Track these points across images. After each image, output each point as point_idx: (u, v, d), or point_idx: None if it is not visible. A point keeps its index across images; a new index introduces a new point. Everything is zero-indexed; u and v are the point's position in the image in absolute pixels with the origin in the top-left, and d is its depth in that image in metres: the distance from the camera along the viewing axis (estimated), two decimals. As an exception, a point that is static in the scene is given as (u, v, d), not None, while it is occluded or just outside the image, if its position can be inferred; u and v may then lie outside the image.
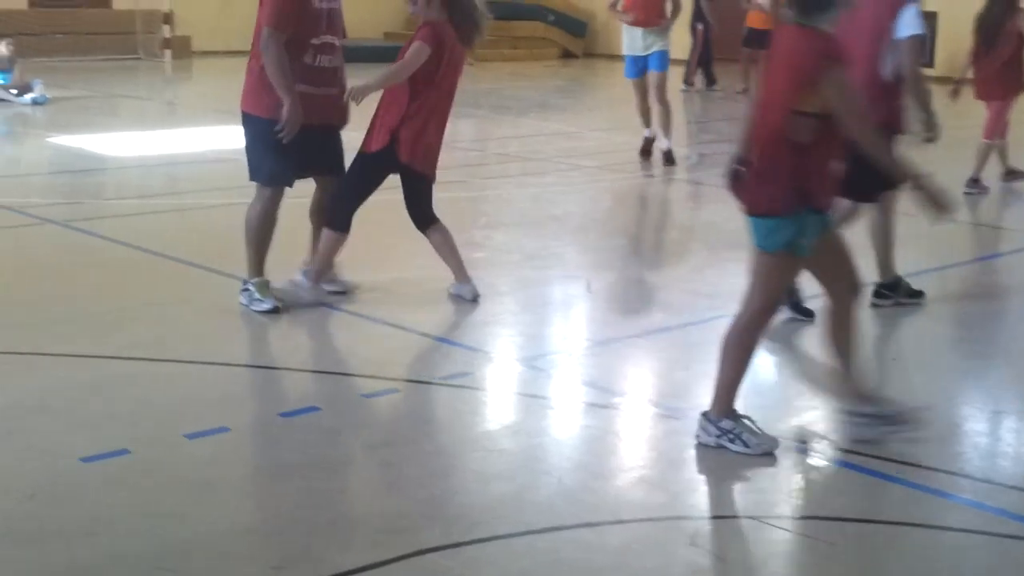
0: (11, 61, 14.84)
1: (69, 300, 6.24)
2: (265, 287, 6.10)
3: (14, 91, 14.62)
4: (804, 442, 4.58)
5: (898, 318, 6.36)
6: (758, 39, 17.80)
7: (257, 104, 5.97)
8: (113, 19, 20.91)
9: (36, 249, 7.53)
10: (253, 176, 6.12)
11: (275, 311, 6.00)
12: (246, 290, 6.09)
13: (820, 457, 4.48)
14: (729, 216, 7.44)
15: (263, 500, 3.98)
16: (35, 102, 14.50)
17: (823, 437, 4.64)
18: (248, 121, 6.05)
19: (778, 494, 4.22)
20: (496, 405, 5.06)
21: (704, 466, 4.41)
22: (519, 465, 4.36)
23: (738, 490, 4.24)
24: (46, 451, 4.27)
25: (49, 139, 12.20)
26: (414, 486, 4.12)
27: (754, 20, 17.84)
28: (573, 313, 6.57)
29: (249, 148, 6.09)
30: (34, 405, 4.73)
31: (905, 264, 6.53)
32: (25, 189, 9.62)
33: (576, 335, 6.12)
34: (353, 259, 7.27)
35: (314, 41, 5.94)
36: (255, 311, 6.02)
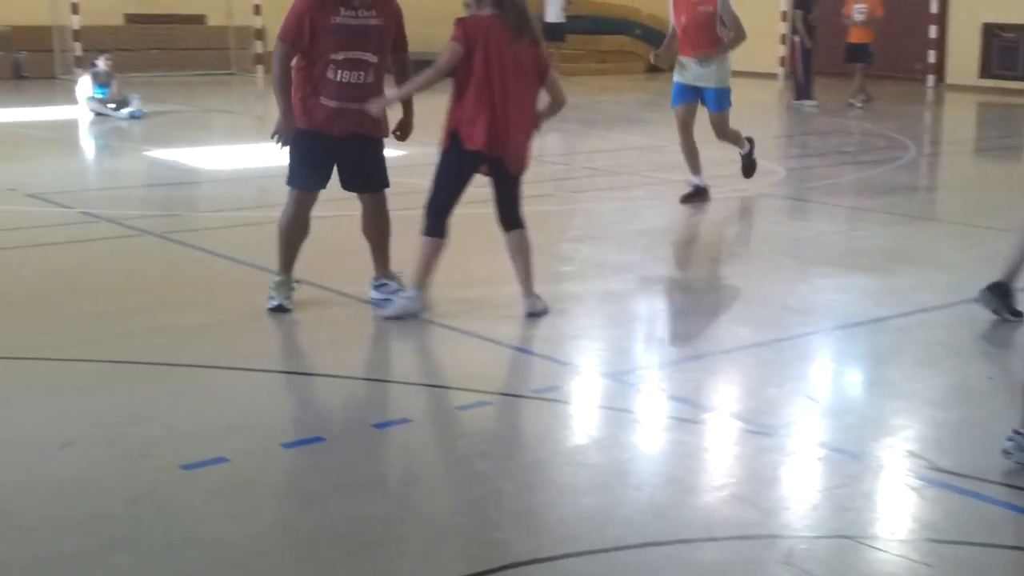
0: (109, 76, 15.22)
1: (167, 311, 6.38)
2: (283, 286, 6.28)
3: (112, 105, 14.99)
4: (886, 458, 4.53)
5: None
6: (858, 54, 17.76)
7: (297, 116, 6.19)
8: (207, 35, 21.34)
9: (133, 260, 7.71)
10: (287, 181, 6.36)
11: (280, 310, 6.21)
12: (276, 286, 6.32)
13: (917, 476, 4.42)
14: (819, 231, 7.42)
15: (357, 511, 4.03)
16: (132, 116, 14.85)
17: (920, 456, 4.58)
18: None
19: (874, 513, 4.18)
20: (586, 419, 5.07)
21: (797, 484, 4.38)
22: (610, 480, 4.37)
23: (833, 509, 4.20)
24: (147, 458, 4.38)
25: (145, 152, 12.48)
26: (506, 499, 4.15)
27: (854, 36, 17.81)
28: (662, 327, 6.56)
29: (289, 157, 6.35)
30: (135, 413, 4.84)
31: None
32: (123, 201, 9.85)
33: (665, 350, 6.11)
34: (444, 272, 7.35)
35: (336, 56, 6.03)
36: (267, 308, 6.22)
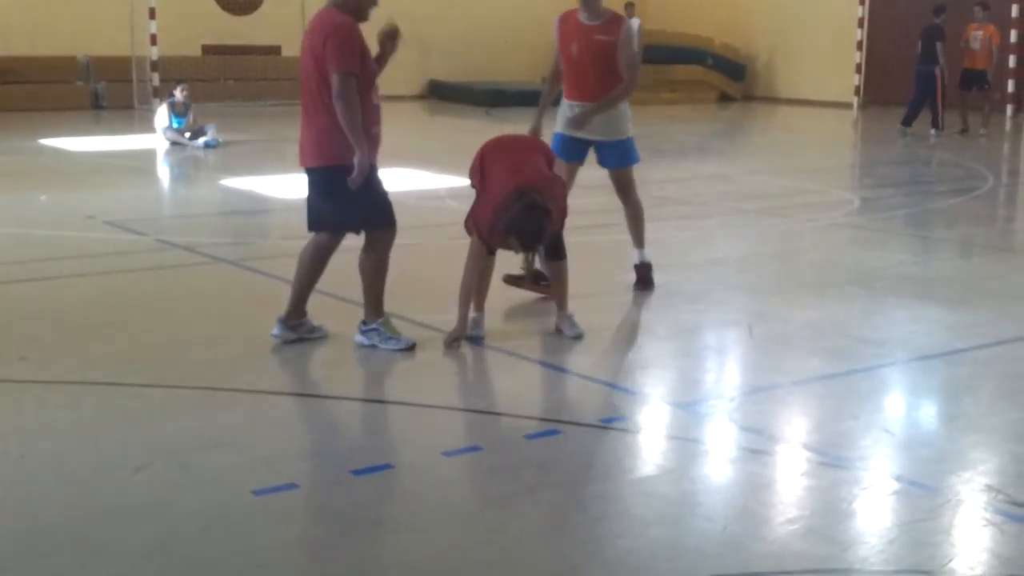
0: (186, 106, 15.49)
1: (241, 338, 6.44)
2: (390, 324, 6.20)
3: (188, 135, 15.25)
4: (965, 492, 4.43)
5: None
6: (974, 80, 17.77)
7: (341, 155, 5.93)
8: (282, 65, 21.64)
9: (207, 287, 7.81)
10: (376, 224, 6.16)
11: (413, 347, 6.13)
12: (372, 330, 6.19)
13: (996, 511, 4.32)
14: (893, 262, 7.32)
15: (427, 539, 4.03)
16: (207, 145, 15.09)
17: (999, 490, 4.48)
18: (336, 174, 5.96)
19: (951, 548, 4.09)
20: (656, 449, 5.03)
21: (872, 517, 4.30)
22: (680, 511, 4.32)
23: (909, 543, 4.12)
24: (220, 484, 4.41)
25: (220, 181, 12.67)
26: (575, 528, 4.12)
27: (971, 62, 17.87)
28: (733, 357, 6.50)
29: (351, 201, 6.03)
30: (208, 439, 4.89)
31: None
32: (197, 229, 10.00)
33: (737, 380, 6.05)
34: (512, 298, 7.35)
35: (375, 82, 6.05)
36: (390, 349, 6.12)
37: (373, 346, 6.17)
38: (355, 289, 6.36)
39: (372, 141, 6.02)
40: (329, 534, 4.08)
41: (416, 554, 3.93)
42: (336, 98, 5.81)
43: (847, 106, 22.93)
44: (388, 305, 6.51)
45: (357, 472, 4.54)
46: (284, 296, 6.80)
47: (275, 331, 6.19)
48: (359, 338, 6.24)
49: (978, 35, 17.90)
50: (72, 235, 9.21)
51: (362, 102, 5.90)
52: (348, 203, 6.04)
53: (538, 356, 6.07)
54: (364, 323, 6.25)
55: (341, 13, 5.94)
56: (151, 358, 6.03)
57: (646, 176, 14.55)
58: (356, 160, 5.87)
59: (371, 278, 6.22)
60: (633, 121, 7.63)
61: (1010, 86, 21.03)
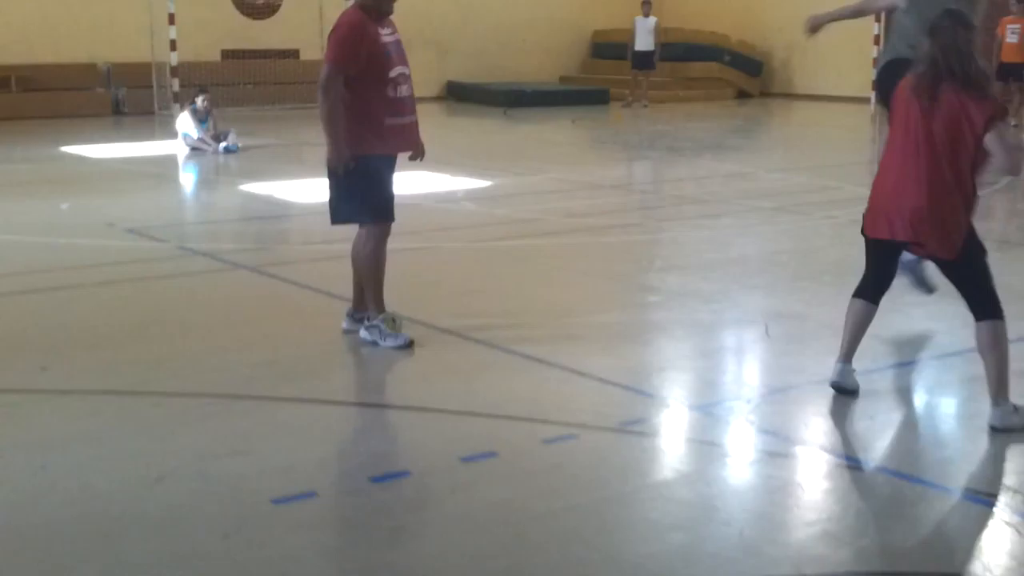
0: (207, 112, 15.56)
1: (260, 344, 6.48)
2: (394, 320, 6.29)
3: (209, 141, 15.32)
4: (984, 494, 4.43)
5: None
6: (1010, 72, 17.74)
7: (358, 143, 6.13)
8: (301, 69, 21.69)
9: (228, 294, 7.85)
10: (367, 216, 6.29)
11: (411, 344, 6.22)
12: (374, 326, 6.27)
13: (1015, 511, 4.31)
14: (912, 259, 7.21)
15: (446, 546, 4.05)
16: (227, 150, 15.15)
17: (1019, 491, 4.48)
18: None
19: (971, 550, 4.09)
20: (673, 453, 5.04)
21: (890, 520, 4.30)
22: (697, 515, 4.33)
23: (928, 545, 4.12)
24: (239, 491, 4.45)
25: (240, 186, 12.73)
26: (592, 533, 4.14)
27: (1008, 55, 17.89)
28: (751, 358, 6.50)
29: (344, 190, 6.23)
30: (228, 448, 4.93)
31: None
32: (218, 235, 10.05)
33: (754, 381, 6.06)
34: (529, 301, 7.38)
35: (391, 74, 6.15)
36: (389, 347, 6.20)
37: (374, 343, 6.23)
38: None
39: (388, 132, 6.19)
40: (348, 542, 4.11)
41: (435, 561, 3.95)
42: (319, 86, 6.12)
43: (865, 100, 22.83)
44: (401, 307, 6.55)
45: (376, 479, 4.57)
46: (302, 301, 6.85)
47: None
48: (363, 334, 6.34)
49: (1016, 28, 17.87)
50: (93, 243, 9.27)
51: (374, 95, 6.12)
52: (348, 193, 6.24)
53: (554, 359, 6.08)
54: (368, 319, 6.32)
55: (357, 11, 6.17)
56: (172, 366, 6.07)
57: (663, 174, 14.61)
58: (327, 152, 6.11)
59: (369, 272, 6.33)
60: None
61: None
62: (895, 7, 7.06)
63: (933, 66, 5.15)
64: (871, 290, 5.56)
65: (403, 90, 6.24)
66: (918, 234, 5.26)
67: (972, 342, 5.47)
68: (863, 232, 5.52)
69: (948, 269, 5.35)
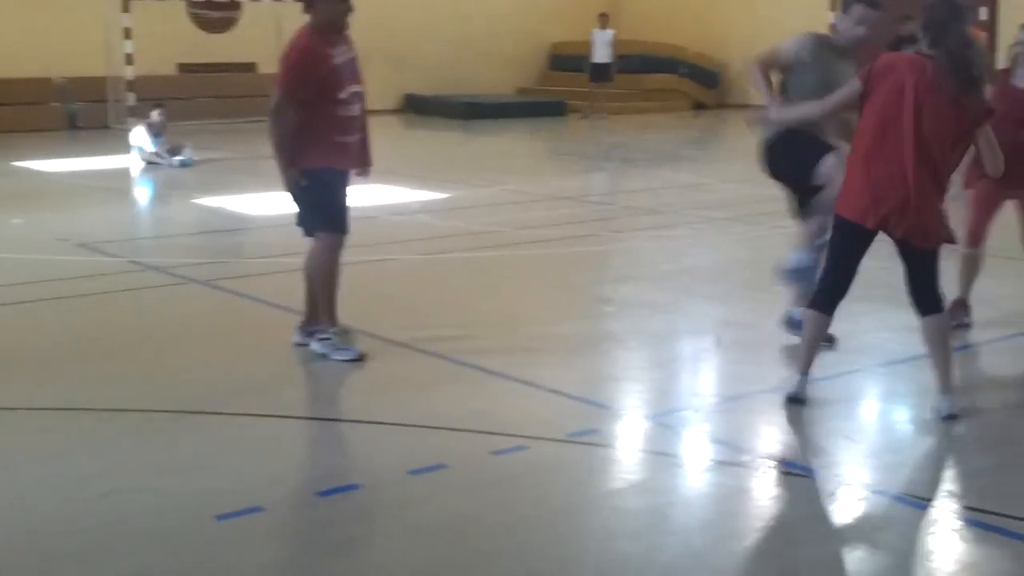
0: (162, 127, 15.48)
1: (212, 359, 6.45)
2: (346, 334, 6.30)
3: (163, 155, 15.23)
4: (929, 499, 4.47)
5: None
6: None
7: (303, 160, 6.15)
8: (258, 83, 21.58)
9: (180, 308, 7.79)
10: (320, 227, 6.30)
11: (362, 358, 6.21)
12: (325, 339, 6.27)
13: (960, 517, 4.35)
14: (861, 267, 7.30)
15: (395, 561, 4.03)
16: (183, 164, 15.07)
17: (963, 496, 4.52)
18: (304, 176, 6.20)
19: (915, 556, 4.12)
20: (624, 463, 5.05)
21: (839, 527, 4.34)
22: (647, 525, 4.34)
23: (873, 552, 4.15)
24: (185, 508, 4.41)
25: (195, 200, 12.65)
26: (545, 544, 4.13)
27: None
28: (703, 368, 6.53)
29: (307, 202, 6.27)
30: (175, 464, 4.89)
31: None
32: (171, 250, 9.99)
33: (706, 391, 6.08)
34: (482, 313, 7.38)
35: (342, 95, 6.16)
36: (340, 360, 6.20)
37: (326, 356, 6.22)
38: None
39: (336, 150, 6.22)
40: (294, 556, 4.09)
41: (383, 574, 3.94)
42: (270, 112, 6.14)
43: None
44: (354, 320, 6.54)
45: (324, 493, 4.54)
46: (255, 315, 6.82)
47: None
48: (315, 346, 6.34)
49: None
50: (45, 258, 9.19)
51: (324, 115, 6.13)
52: (307, 205, 6.29)
53: (507, 370, 6.09)
54: (319, 332, 6.32)
55: (310, 33, 6.16)
56: (122, 382, 6.02)
57: (619, 185, 14.66)
58: (281, 177, 6.16)
59: (322, 284, 6.32)
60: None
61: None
62: (797, 63, 6.29)
63: (949, 62, 5.09)
64: (828, 297, 5.54)
65: (354, 109, 6.26)
66: (908, 227, 5.28)
67: (919, 349, 5.54)
68: (841, 216, 5.38)
69: (916, 258, 5.37)
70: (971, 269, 7.00)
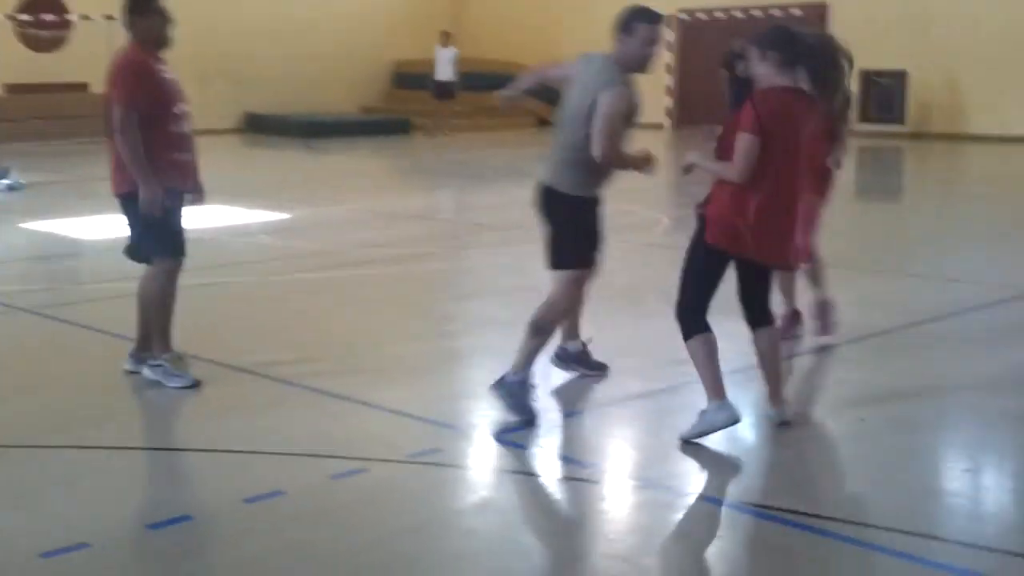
0: (-15, 149, 14.90)
1: (37, 389, 6.18)
2: (180, 360, 6.13)
3: (-10, 178, 14.65)
4: (776, 508, 4.53)
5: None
6: None
7: (127, 181, 6.02)
8: (90, 103, 20.98)
9: (4, 338, 7.46)
10: (157, 252, 6.13)
11: (196, 385, 6.04)
12: (158, 366, 6.09)
13: (795, 524, 4.42)
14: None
15: (228, 591, 3.91)
16: (11, 188, 14.51)
17: (797, 501, 4.59)
18: (130, 200, 6.04)
19: (752, 562, 4.17)
20: (467, 482, 4.99)
21: (678, 538, 4.36)
22: (491, 545, 4.30)
23: (712, 564, 4.18)
24: (6, 546, 4.19)
25: (22, 224, 12.18)
26: (383, 570, 4.05)
27: None
28: (546, 384, 6.51)
29: (136, 227, 6.10)
30: (2, 498, 4.66)
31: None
32: (-3, 277, 9.58)
33: (549, 406, 6.06)
34: (317, 333, 7.26)
35: (175, 110, 6.08)
36: (174, 387, 6.03)
37: (157, 383, 6.03)
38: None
39: (172, 167, 6.07)
40: (123, 594, 3.92)
41: (214, 609, 3.80)
42: (116, 131, 5.97)
43: (660, 127, 23.51)
44: (190, 345, 6.35)
45: (154, 526, 4.37)
46: (84, 344, 6.54)
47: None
48: (147, 372, 6.15)
49: None
50: None
51: (159, 131, 6.01)
52: (141, 229, 6.10)
53: (346, 392, 5.98)
54: (152, 358, 6.10)
55: (136, 49, 6.09)
56: (-62, 417, 5.72)
57: (463, 203, 14.65)
58: (140, 193, 5.92)
59: (157, 309, 6.13)
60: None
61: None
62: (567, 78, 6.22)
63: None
64: (704, 315, 5.37)
65: (185, 126, 6.17)
66: (790, 257, 5.39)
67: (753, 359, 5.62)
68: (717, 247, 5.27)
69: (762, 275, 5.43)
70: (792, 281, 7.12)
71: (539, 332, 5.70)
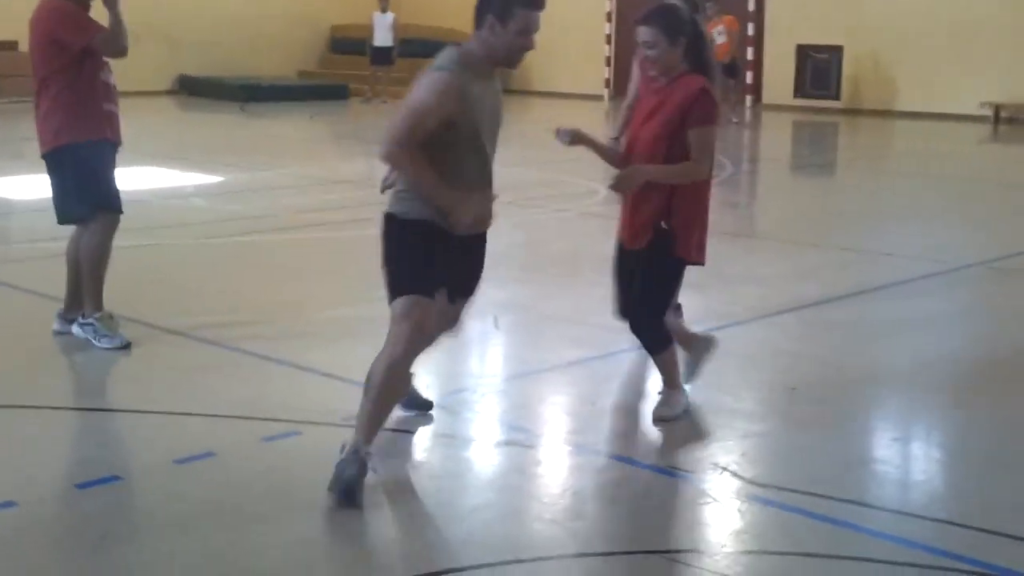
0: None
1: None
2: (110, 320, 6.03)
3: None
4: (707, 473, 4.58)
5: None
6: (726, 71, 18.44)
7: (72, 133, 5.87)
8: (21, 61, 20.53)
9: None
10: (94, 207, 6.00)
11: (128, 346, 5.96)
12: (88, 324, 6.00)
13: (725, 488, 4.46)
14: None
15: (156, 556, 3.85)
16: (-65, 148, 14.19)
17: (727, 468, 4.64)
18: (65, 154, 5.91)
19: (682, 527, 4.21)
20: (399, 445, 4.98)
21: (607, 501, 4.39)
22: (424, 507, 4.30)
23: (642, 525, 4.21)
24: (-71, 507, 4.13)
25: (-51, 185, 11.92)
26: (316, 533, 4.04)
27: (720, 55, 18.54)
28: (479, 350, 6.51)
29: (70, 182, 5.96)
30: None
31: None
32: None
33: (485, 372, 6.08)
34: (252, 297, 7.20)
35: (104, 58, 5.98)
36: (104, 347, 5.95)
37: (87, 342, 5.94)
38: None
39: (106, 118, 5.97)
40: (49, 553, 3.86)
41: (144, 570, 3.76)
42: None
43: (599, 98, 23.51)
44: (122, 307, 6.26)
45: (82, 486, 4.32)
46: (15, 305, 6.42)
47: None
48: (76, 330, 6.06)
49: (720, 29, 18.57)
50: None
51: (92, 80, 5.89)
52: (74, 185, 5.96)
53: (279, 355, 5.93)
54: (82, 316, 6.02)
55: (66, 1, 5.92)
56: None
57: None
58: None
59: (90, 266, 6.02)
60: None
61: (748, 77, 21.94)
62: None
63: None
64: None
65: (112, 77, 6.05)
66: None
67: (690, 328, 5.65)
68: (688, 261, 5.15)
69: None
70: None
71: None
